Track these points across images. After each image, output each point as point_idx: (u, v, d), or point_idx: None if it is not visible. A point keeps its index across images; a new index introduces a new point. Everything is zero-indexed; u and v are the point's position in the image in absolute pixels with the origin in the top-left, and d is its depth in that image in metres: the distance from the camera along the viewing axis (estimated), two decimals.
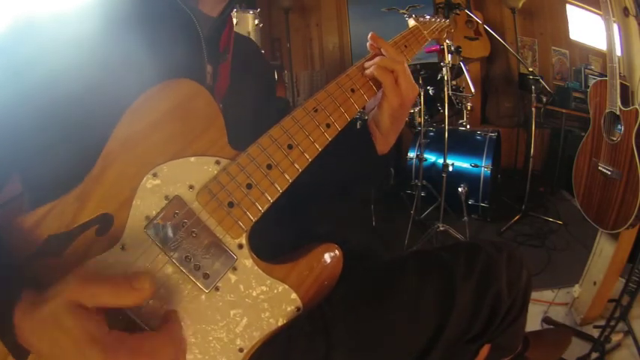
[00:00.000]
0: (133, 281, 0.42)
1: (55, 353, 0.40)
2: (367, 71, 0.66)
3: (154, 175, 0.50)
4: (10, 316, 0.40)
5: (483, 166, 2.47)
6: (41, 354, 0.41)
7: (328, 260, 0.58)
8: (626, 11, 1.38)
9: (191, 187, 0.52)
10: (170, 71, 0.53)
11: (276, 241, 0.61)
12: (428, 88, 2.37)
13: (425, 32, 0.79)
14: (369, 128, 0.73)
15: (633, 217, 1.33)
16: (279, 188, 0.55)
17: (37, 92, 0.50)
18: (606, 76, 1.42)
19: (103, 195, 0.49)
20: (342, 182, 0.79)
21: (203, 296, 0.51)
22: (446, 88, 2.22)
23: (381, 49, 0.68)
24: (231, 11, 0.69)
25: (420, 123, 2.38)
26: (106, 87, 0.52)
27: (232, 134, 0.55)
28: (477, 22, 3.10)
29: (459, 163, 2.52)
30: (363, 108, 0.66)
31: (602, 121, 1.46)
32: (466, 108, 2.45)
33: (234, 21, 1.75)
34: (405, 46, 0.73)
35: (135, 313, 0.47)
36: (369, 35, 0.68)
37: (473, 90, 2.37)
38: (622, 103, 1.37)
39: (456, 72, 2.39)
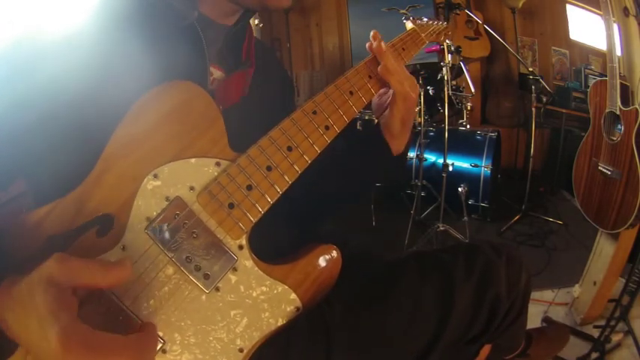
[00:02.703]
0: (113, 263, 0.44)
1: (21, 329, 0.40)
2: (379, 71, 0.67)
3: (155, 176, 0.51)
4: None
5: (483, 166, 2.47)
6: (12, 331, 0.41)
7: (327, 261, 0.58)
8: (626, 11, 1.38)
9: (192, 188, 0.52)
10: (170, 74, 0.54)
11: (276, 242, 0.61)
12: (428, 88, 2.37)
13: (423, 35, 0.79)
14: (382, 132, 0.73)
15: (633, 217, 1.34)
16: (278, 190, 0.55)
17: (38, 96, 0.50)
18: (606, 76, 1.42)
19: (104, 196, 0.49)
20: (362, 185, 0.81)
21: (203, 297, 0.51)
22: (446, 88, 2.22)
23: (378, 56, 0.68)
24: (248, 21, 0.70)
25: (420, 123, 2.38)
26: (105, 91, 0.52)
27: (245, 141, 0.55)
28: (476, 22, 3.10)
29: (459, 163, 2.52)
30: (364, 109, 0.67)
31: (602, 121, 1.46)
32: (466, 108, 2.45)
33: None
34: (403, 49, 0.74)
35: (127, 304, 0.48)
36: (372, 34, 0.68)
37: (473, 90, 2.37)
38: (622, 103, 1.38)
39: (456, 72, 2.39)
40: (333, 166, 0.69)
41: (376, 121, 0.76)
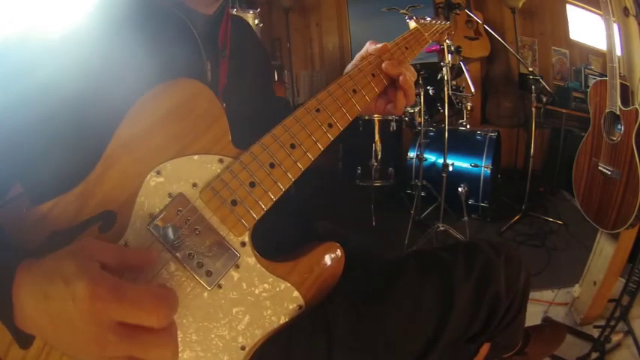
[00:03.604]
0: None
1: (43, 308, 0.39)
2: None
3: (158, 172, 0.51)
4: (9, 293, 0.39)
5: (483, 166, 2.47)
6: (30, 320, 0.40)
7: (330, 259, 0.58)
8: (626, 11, 1.38)
9: (194, 184, 0.52)
10: (169, 72, 0.54)
11: (279, 239, 0.61)
12: (428, 88, 2.37)
13: (426, 34, 0.79)
14: None
15: (633, 217, 1.34)
16: (282, 187, 0.55)
17: (36, 97, 0.50)
18: (606, 76, 1.42)
19: (106, 192, 0.49)
20: None
21: (206, 294, 0.51)
22: (446, 88, 2.22)
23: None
24: (225, 7, 0.70)
25: (420, 123, 2.38)
26: (104, 90, 0.52)
27: (232, 128, 0.55)
28: (476, 22, 3.11)
29: (459, 163, 2.52)
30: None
31: (602, 121, 1.46)
32: (466, 108, 2.45)
33: None
34: (406, 48, 0.74)
35: None
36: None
37: (473, 90, 2.37)
38: (622, 103, 1.38)
39: (456, 72, 2.39)
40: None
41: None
